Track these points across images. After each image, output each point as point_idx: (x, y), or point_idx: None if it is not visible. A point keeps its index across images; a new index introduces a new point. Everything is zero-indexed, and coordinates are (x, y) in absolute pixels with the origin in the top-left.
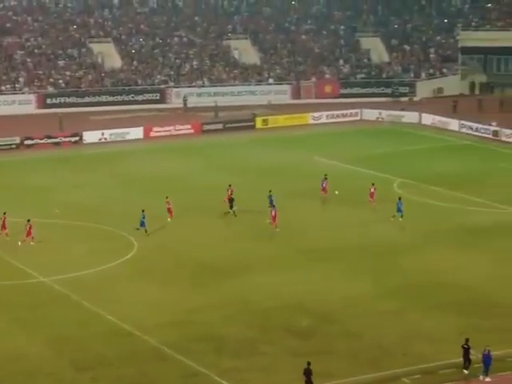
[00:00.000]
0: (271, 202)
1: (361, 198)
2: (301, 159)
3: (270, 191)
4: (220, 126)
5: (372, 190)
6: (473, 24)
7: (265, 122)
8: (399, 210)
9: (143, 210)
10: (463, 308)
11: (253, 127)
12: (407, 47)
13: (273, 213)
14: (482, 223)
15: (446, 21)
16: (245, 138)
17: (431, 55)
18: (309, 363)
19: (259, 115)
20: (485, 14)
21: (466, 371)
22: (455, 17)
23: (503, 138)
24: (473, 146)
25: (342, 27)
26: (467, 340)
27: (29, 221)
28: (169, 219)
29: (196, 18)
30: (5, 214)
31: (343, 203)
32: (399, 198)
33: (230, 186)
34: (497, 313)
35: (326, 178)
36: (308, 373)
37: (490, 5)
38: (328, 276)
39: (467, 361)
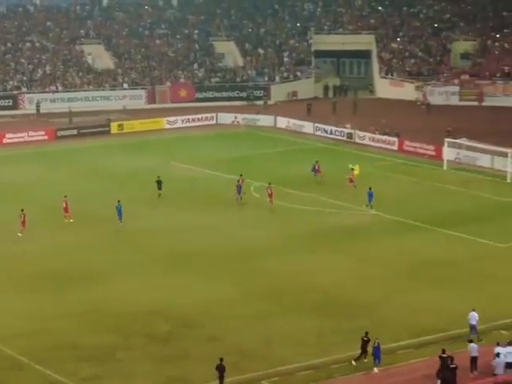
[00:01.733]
0: (239, 189)
1: (214, 202)
2: (157, 164)
3: (241, 175)
4: (74, 132)
5: (350, 176)
6: (325, 28)
7: (120, 127)
8: (370, 199)
9: (119, 201)
10: (322, 310)
11: (108, 132)
12: (261, 51)
13: (269, 191)
14: (339, 225)
15: (298, 25)
16: (100, 144)
17: (285, 59)
18: (221, 359)
19: (114, 120)
20: (337, 17)
21: (354, 362)
22: (308, 21)
23: (357, 140)
24: (327, 149)
25: (196, 31)
26: (367, 333)
27: (22, 210)
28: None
29: (48, 23)
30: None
31: (201, 207)
32: (370, 188)
33: (241, 175)
34: (355, 313)
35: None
36: (221, 368)
37: (341, 9)
38: (188, 281)
39: (364, 352)
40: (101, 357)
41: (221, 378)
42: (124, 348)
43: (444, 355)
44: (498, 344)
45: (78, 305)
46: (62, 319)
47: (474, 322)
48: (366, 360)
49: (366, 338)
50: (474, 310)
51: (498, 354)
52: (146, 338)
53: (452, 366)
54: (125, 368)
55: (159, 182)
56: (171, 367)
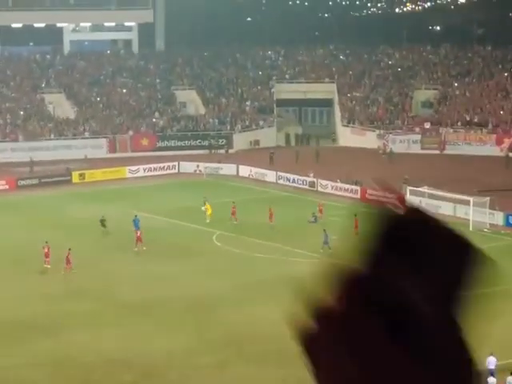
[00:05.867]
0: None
1: (176, 251)
2: (119, 213)
3: (136, 215)
4: (36, 182)
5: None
6: (287, 76)
7: (81, 176)
8: (326, 242)
9: (136, 215)
10: (285, 359)
11: (69, 182)
12: (223, 100)
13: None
14: (301, 273)
15: (260, 73)
16: (61, 193)
17: (247, 107)
18: None
19: (75, 170)
20: (298, 66)
21: None
22: (270, 69)
23: (319, 189)
24: (290, 197)
25: (158, 80)
26: None
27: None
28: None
29: (8, 72)
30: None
31: (159, 256)
32: (324, 230)
33: (233, 202)
34: None
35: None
36: None
37: (303, 57)
38: (148, 330)
39: None
40: None
41: None
42: None
43: None
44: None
45: (37, 355)
46: (18, 369)
47: (493, 367)
48: None
49: None
50: (491, 355)
51: None
52: None
53: None
54: None
55: (103, 221)
56: None
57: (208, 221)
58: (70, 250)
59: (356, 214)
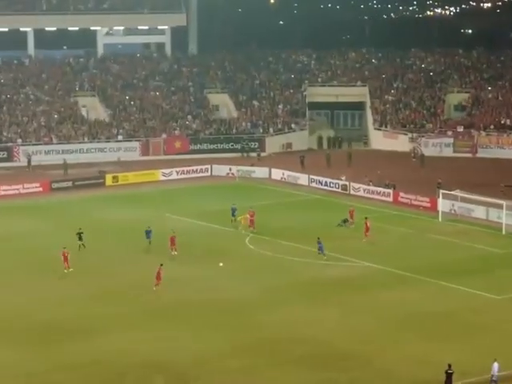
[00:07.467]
0: (234, 213)
1: (209, 254)
2: (152, 216)
3: (234, 204)
4: (69, 184)
5: (368, 225)
6: (319, 80)
7: (115, 179)
8: (321, 249)
9: (149, 226)
10: (317, 362)
11: (103, 184)
12: (256, 103)
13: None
14: (333, 276)
15: (292, 76)
16: (95, 196)
17: (279, 111)
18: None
19: (109, 172)
20: (330, 69)
21: None
22: (302, 72)
23: (352, 192)
24: (322, 200)
25: (190, 83)
26: (450, 366)
27: (162, 265)
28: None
29: (43, 75)
30: (161, 265)
31: (192, 259)
32: (318, 238)
33: (250, 207)
34: (351, 365)
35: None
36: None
37: (335, 61)
38: (182, 333)
39: None
40: None
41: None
42: None
43: (450, 371)
44: None
45: (70, 359)
46: (52, 373)
47: (497, 373)
48: None
49: (450, 371)
50: (496, 361)
51: None
52: None
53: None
54: None
55: (80, 234)
56: None
57: (240, 228)
58: (161, 265)
59: (366, 217)
